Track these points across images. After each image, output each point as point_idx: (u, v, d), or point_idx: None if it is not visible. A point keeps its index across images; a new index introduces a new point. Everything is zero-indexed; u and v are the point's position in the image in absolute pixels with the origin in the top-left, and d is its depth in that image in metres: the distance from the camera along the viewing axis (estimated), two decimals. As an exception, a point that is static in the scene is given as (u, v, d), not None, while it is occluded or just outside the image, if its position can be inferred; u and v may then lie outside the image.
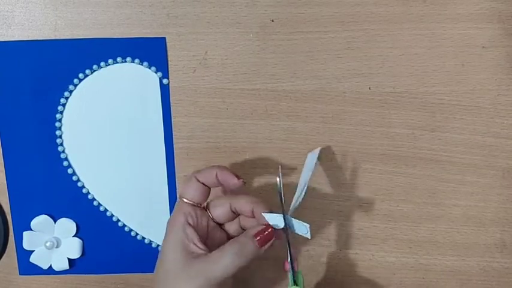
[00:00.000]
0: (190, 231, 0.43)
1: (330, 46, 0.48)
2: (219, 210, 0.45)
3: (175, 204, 0.46)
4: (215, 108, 0.50)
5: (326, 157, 0.50)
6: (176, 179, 0.51)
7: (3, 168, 0.51)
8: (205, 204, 0.46)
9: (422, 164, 0.50)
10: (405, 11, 0.47)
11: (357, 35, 0.48)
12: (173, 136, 0.50)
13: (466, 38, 0.48)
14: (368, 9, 0.47)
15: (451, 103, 0.49)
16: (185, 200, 0.44)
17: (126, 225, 0.53)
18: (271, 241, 0.43)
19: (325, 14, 0.48)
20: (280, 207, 0.43)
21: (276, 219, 0.43)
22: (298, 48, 0.48)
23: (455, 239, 0.51)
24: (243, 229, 0.46)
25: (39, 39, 0.48)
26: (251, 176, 0.51)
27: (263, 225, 0.43)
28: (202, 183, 0.45)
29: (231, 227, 0.47)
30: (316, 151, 0.48)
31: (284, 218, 0.43)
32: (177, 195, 0.45)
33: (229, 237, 0.46)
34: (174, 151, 0.51)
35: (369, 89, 0.49)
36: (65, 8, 0.48)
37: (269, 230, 0.43)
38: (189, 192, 0.45)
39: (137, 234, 0.53)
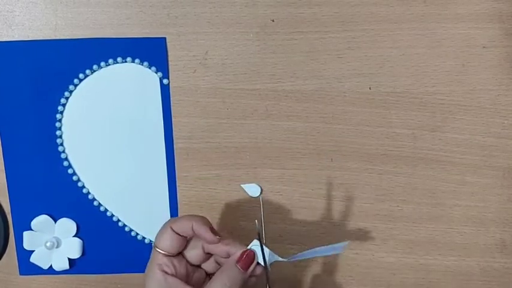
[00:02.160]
0: (173, 280, 0.42)
1: (330, 46, 0.48)
2: (193, 253, 0.44)
3: (151, 255, 0.44)
4: (215, 108, 0.50)
5: (326, 157, 0.50)
6: (176, 179, 0.51)
7: (3, 168, 0.51)
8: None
9: (422, 164, 0.50)
10: (405, 11, 0.47)
11: (357, 35, 0.48)
12: (173, 136, 0.50)
13: (466, 38, 0.48)
14: (368, 9, 0.47)
15: (451, 103, 0.49)
16: (159, 250, 0.43)
17: (126, 225, 0.53)
18: (255, 263, 0.42)
19: (325, 14, 0.48)
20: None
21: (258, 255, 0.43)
22: (298, 48, 0.48)
23: (455, 239, 0.51)
24: (220, 265, 0.45)
25: (39, 39, 0.48)
26: (251, 176, 0.51)
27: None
28: (178, 234, 0.43)
29: (209, 266, 0.46)
30: (341, 245, 0.44)
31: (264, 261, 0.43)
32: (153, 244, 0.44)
33: (208, 275, 0.46)
34: (174, 151, 0.51)
35: (369, 89, 0.49)
36: (65, 8, 0.48)
37: (247, 253, 0.42)
38: (163, 243, 0.43)
39: (137, 234, 0.53)
